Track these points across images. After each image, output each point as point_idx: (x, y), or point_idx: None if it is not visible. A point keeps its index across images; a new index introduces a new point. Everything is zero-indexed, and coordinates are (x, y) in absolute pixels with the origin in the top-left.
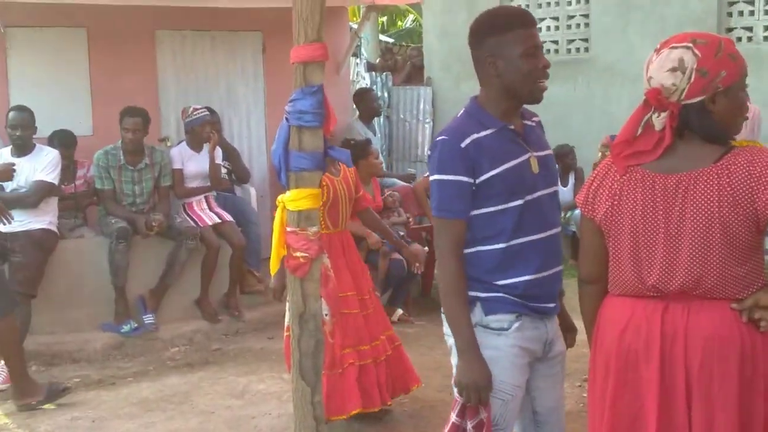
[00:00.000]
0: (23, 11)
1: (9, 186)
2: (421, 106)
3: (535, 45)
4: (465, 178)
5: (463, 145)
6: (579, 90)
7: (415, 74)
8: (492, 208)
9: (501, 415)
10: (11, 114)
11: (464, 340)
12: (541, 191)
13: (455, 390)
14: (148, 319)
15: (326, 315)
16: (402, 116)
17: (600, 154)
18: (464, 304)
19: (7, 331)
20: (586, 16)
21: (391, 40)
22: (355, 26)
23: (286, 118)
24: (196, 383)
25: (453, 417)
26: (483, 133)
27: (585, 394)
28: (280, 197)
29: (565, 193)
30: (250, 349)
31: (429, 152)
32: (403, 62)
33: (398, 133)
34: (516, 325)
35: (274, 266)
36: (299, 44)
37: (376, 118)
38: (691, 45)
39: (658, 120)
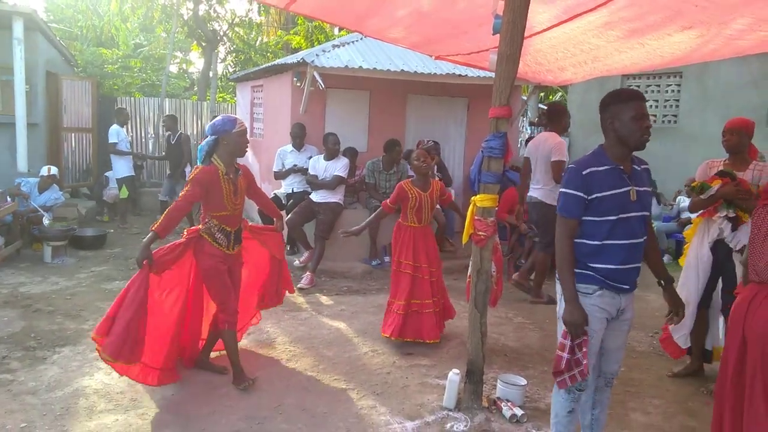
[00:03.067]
0: (335, 79)
1: (320, 176)
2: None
3: (642, 112)
4: (580, 194)
5: (584, 172)
6: (668, 147)
7: None
8: (596, 218)
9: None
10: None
11: (569, 293)
12: (633, 213)
13: (559, 329)
14: (386, 259)
15: (494, 272)
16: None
17: (685, 187)
18: (571, 271)
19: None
20: (677, 99)
21: (545, 107)
22: (524, 98)
23: (482, 151)
24: None
25: (564, 341)
26: (599, 168)
27: (655, 342)
28: (472, 198)
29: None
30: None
31: (564, 174)
32: None
33: None
34: (598, 293)
35: (465, 239)
36: (495, 106)
37: None
38: None
39: None
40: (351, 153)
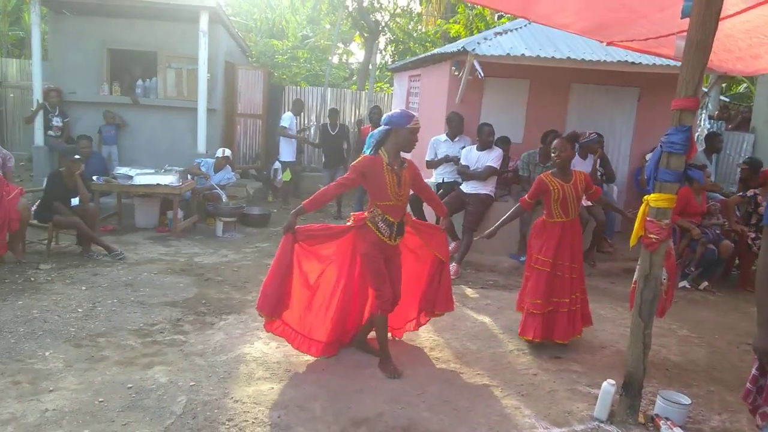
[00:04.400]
0: (495, 67)
1: (472, 166)
2: (744, 146)
3: None
4: None
5: None
6: None
7: (742, 124)
8: None
9: None
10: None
11: (763, 316)
12: None
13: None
14: None
15: (664, 279)
16: (728, 152)
17: None
18: None
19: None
20: None
21: (727, 99)
22: (705, 89)
23: (660, 146)
24: None
25: (753, 370)
26: None
27: None
28: (645, 197)
29: None
30: (598, 286)
31: None
32: (736, 115)
33: (724, 162)
34: None
35: (633, 241)
36: (679, 97)
37: (714, 153)
38: None
39: None
40: (503, 141)
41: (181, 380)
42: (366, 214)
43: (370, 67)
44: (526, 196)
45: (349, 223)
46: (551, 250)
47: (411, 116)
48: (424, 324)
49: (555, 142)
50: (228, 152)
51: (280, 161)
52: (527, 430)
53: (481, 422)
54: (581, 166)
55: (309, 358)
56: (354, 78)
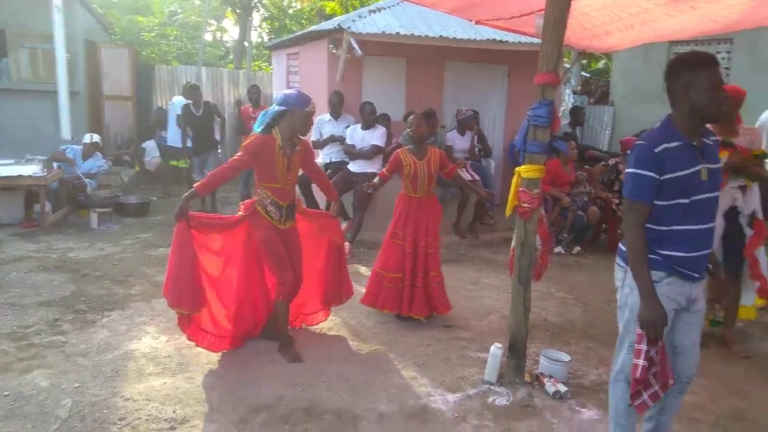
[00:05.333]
0: (372, 45)
1: (358, 146)
2: (605, 119)
3: (719, 79)
4: (653, 174)
5: (656, 150)
6: None
7: (602, 98)
8: (667, 202)
9: None
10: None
11: (645, 288)
12: (705, 194)
13: (638, 324)
14: None
15: (539, 245)
16: (591, 124)
17: None
18: (645, 263)
19: None
20: (728, 68)
21: (589, 75)
22: (567, 65)
23: (528, 119)
24: (449, 273)
25: (640, 346)
26: (672, 144)
27: None
28: (516, 168)
29: None
30: (482, 256)
31: (629, 152)
32: (596, 90)
33: (588, 134)
34: (666, 281)
35: (509, 211)
36: (541, 72)
37: (578, 126)
38: None
39: None
40: (384, 119)
41: (65, 383)
42: (255, 198)
43: (246, 45)
44: (384, 169)
45: (240, 213)
46: (404, 225)
47: (308, 99)
48: (328, 316)
49: (410, 117)
50: (96, 138)
51: (165, 146)
52: (424, 399)
53: (380, 395)
54: (460, 142)
55: (202, 350)
56: (230, 57)
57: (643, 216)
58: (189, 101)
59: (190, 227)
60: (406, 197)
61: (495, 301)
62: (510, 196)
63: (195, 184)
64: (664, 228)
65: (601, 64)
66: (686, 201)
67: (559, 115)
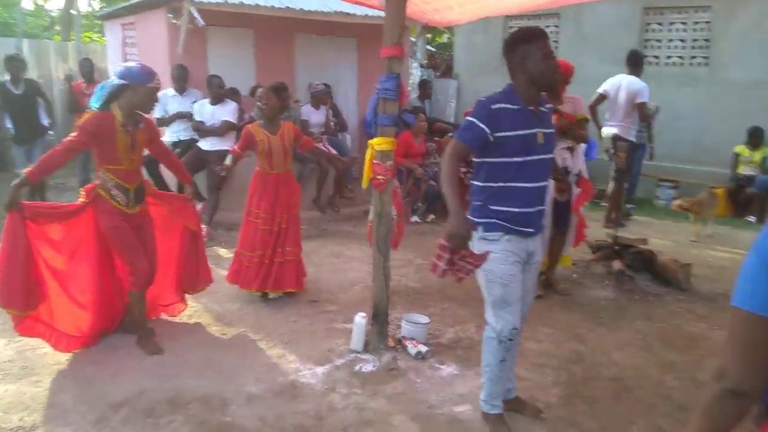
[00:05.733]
0: (217, 16)
1: (208, 122)
2: (450, 91)
3: (550, 50)
4: (484, 127)
5: (493, 107)
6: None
7: (447, 71)
8: (502, 159)
9: (505, 294)
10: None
11: (453, 208)
12: (539, 155)
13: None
14: None
15: (394, 215)
16: (438, 97)
17: None
18: (454, 187)
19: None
20: (556, 41)
21: (434, 49)
22: (413, 39)
23: (377, 93)
24: (312, 248)
25: (443, 253)
26: (509, 106)
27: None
28: (369, 141)
29: None
30: (343, 230)
31: (471, 108)
32: (441, 63)
33: (435, 107)
34: (506, 237)
35: (365, 183)
36: (386, 45)
37: (426, 99)
38: None
39: None
40: (233, 93)
41: None
42: (96, 181)
43: (74, 13)
44: (236, 146)
45: (81, 200)
46: (258, 202)
47: (153, 74)
48: (186, 307)
49: (259, 91)
50: None
51: None
52: (293, 375)
53: (248, 377)
54: (315, 116)
55: (48, 350)
56: (56, 27)
57: (461, 153)
58: (6, 78)
59: (23, 218)
60: (262, 174)
61: (358, 273)
62: (365, 169)
63: (24, 170)
64: (501, 184)
65: (444, 38)
66: (521, 160)
67: (409, 88)
